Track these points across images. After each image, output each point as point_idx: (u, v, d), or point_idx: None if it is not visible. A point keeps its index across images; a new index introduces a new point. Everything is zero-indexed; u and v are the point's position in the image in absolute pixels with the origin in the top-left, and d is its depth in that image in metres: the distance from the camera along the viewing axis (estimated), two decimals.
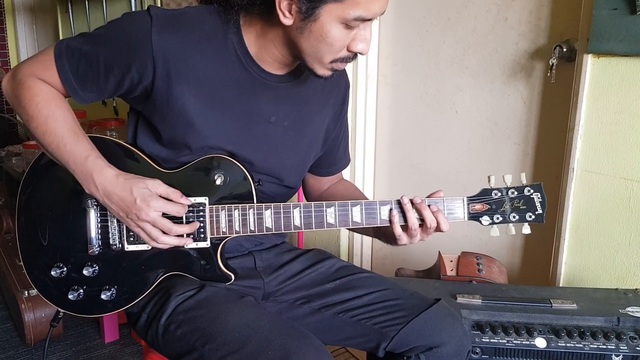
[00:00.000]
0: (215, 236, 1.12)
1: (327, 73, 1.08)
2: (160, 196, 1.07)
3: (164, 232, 1.07)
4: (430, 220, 1.08)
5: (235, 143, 1.13)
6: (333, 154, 1.34)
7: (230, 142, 1.13)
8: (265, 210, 1.10)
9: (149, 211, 1.04)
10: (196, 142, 1.10)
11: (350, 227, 1.11)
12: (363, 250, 2.38)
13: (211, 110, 1.10)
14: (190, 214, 1.11)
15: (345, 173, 1.61)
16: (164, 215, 1.07)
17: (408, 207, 1.08)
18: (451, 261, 1.57)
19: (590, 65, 1.46)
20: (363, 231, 1.26)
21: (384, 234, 1.18)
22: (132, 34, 1.04)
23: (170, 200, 1.07)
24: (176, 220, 1.09)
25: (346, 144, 1.39)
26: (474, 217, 1.11)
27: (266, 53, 1.10)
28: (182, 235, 1.10)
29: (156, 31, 1.03)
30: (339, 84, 1.27)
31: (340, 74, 1.22)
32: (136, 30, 1.04)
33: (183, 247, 1.10)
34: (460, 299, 1.31)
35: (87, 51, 1.06)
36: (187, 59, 1.06)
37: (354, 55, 1.06)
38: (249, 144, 1.15)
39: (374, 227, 1.21)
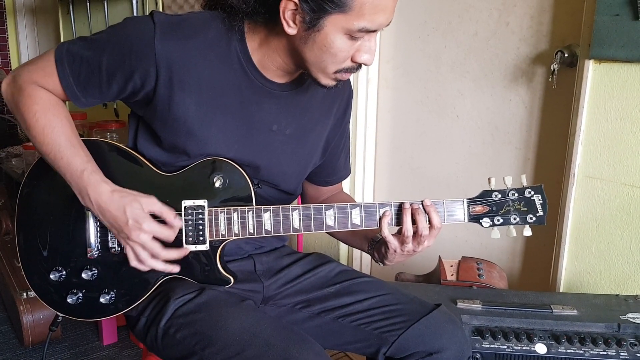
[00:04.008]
0: (215, 239, 1.11)
1: (331, 83, 1.07)
2: (154, 214, 1.06)
3: (153, 255, 1.07)
4: (437, 223, 1.07)
5: (236, 151, 1.13)
6: (332, 163, 1.33)
7: (231, 150, 1.12)
8: (264, 212, 1.10)
9: (140, 234, 1.04)
10: (196, 149, 1.10)
11: (350, 229, 1.10)
12: (363, 254, 2.38)
13: (212, 118, 1.09)
14: (189, 217, 1.10)
15: None
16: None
17: (407, 211, 1.07)
18: (451, 266, 1.56)
19: (592, 70, 1.46)
20: (358, 244, 1.27)
21: (378, 248, 1.18)
22: (135, 41, 1.04)
23: (163, 222, 1.07)
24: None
25: (347, 154, 1.37)
26: (474, 219, 1.10)
27: (269, 61, 1.09)
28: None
29: (159, 38, 1.03)
30: (342, 93, 1.26)
31: (342, 84, 1.21)
32: (139, 36, 1.03)
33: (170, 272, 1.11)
34: (460, 304, 1.31)
35: (89, 57, 1.06)
36: (190, 66, 1.05)
37: (358, 66, 1.05)
38: (250, 152, 1.14)
39: (369, 240, 1.22)
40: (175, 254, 1.09)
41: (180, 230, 1.10)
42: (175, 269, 1.10)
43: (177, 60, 1.04)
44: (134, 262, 1.08)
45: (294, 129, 1.18)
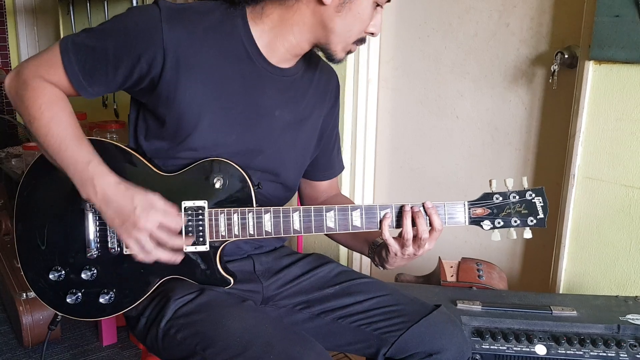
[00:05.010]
0: (215, 240, 1.11)
1: (343, 56, 1.14)
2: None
3: (158, 245, 1.06)
4: (438, 225, 1.07)
5: (240, 135, 1.14)
6: (327, 154, 1.35)
7: (234, 132, 1.13)
8: (264, 214, 1.10)
9: (147, 220, 1.03)
10: (200, 131, 1.10)
11: (350, 230, 1.10)
12: (362, 256, 2.37)
13: (218, 101, 1.11)
14: (190, 218, 1.10)
15: (345, 177, 1.60)
16: None
17: (407, 214, 1.07)
18: (451, 267, 1.56)
19: (592, 72, 1.46)
20: (358, 248, 1.27)
21: (379, 252, 1.18)
22: (142, 25, 1.05)
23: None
24: None
25: (339, 147, 1.40)
26: (475, 221, 1.10)
27: (280, 42, 1.12)
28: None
29: (166, 21, 1.05)
30: (330, 82, 1.31)
31: (330, 73, 1.30)
32: (146, 21, 1.05)
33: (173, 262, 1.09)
34: (460, 305, 1.31)
35: (94, 45, 1.06)
36: (197, 49, 1.07)
37: (364, 39, 1.14)
38: (253, 137, 1.15)
39: (369, 244, 1.23)
40: (180, 241, 1.08)
41: (180, 231, 1.10)
42: (180, 257, 1.09)
43: (184, 43, 1.06)
44: (140, 255, 1.06)
45: (293, 116, 1.20)
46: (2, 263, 2.50)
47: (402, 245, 1.09)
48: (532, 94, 1.76)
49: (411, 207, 1.08)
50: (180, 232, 1.10)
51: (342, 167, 1.42)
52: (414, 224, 1.07)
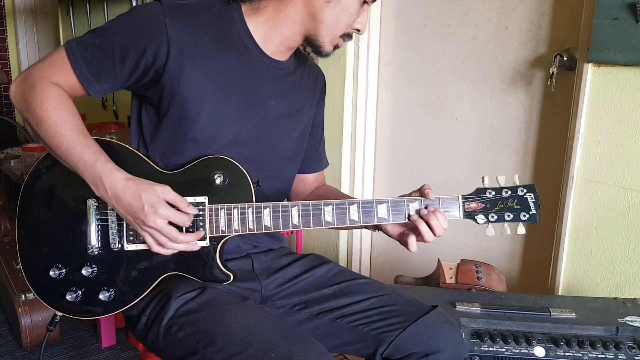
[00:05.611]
0: (215, 235, 1.12)
1: (330, 50, 1.18)
2: (168, 203, 1.07)
3: (170, 240, 1.08)
4: (444, 224, 1.10)
5: (239, 123, 1.17)
6: (315, 147, 1.40)
7: (235, 122, 1.17)
8: (264, 209, 1.12)
9: (156, 218, 1.05)
10: (202, 120, 1.13)
11: (348, 224, 1.13)
12: (362, 257, 2.38)
13: (218, 91, 1.14)
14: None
15: (345, 178, 1.60)
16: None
17: (420, 221, 1.11)
18: (450, 269, 1.56)
19: (591, 74, 1.47)
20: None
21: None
22: (146, 19, 1.10)
23: (177, 209, 1.08)
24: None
25: (324, 143, 1.45)
26: (469, 215, 1.12)
27: (274, 34, 1.17)
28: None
29: (169, 15, 1.09)
30: (318, 79, 1.36)
31: (317, 71, 1.36)
32: (150, 15, 1.10)
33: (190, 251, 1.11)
34: (459, 307, 1.31)
35: (100, 42, 1.09)
36: (198, 41, 1.11)
37: (351, 35, 1.19)
38: (252, 126, 1.19)
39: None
40: (192, 237, 1.10)
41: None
42: (197, 246, 1.11)
43: (186, 35, 1.10)
44: (155, 248, 1.09)
45: (287, 106, 1.25)
46: (1, 265, 2.50)
47: (420, 240, 1.13)
48: (531, 96, 1.76)
49: (419, 214, 1.12)
50: (193, 224, 1.11)
51: (327, 163, 1.46)
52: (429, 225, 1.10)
